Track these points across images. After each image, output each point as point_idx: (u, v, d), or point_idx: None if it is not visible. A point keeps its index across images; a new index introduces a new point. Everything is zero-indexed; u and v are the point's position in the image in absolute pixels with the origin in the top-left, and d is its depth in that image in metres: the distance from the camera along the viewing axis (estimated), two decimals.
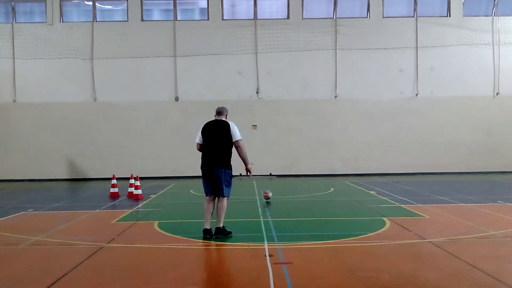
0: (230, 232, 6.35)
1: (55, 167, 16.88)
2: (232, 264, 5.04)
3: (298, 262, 4.88)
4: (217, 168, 6.23)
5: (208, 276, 4.50)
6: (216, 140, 6.31)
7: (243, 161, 6.40)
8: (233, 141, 6.30)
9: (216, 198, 6.37)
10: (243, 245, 5.81)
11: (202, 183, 6.45)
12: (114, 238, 6.28)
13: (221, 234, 6.23)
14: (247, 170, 6.51)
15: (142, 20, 17.37)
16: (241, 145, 6.31)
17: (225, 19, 17.37)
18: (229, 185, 6.33)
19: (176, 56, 17.12)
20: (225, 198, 6.30)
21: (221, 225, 6.27)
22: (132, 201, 10.39)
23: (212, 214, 6.32)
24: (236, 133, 6.33)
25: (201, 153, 6.50)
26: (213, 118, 6.54)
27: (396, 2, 17.71)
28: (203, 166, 6.38)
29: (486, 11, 17.56)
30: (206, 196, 6.39)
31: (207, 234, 6.18)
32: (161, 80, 17.14)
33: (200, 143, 6.51)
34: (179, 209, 9.65)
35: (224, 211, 6.30)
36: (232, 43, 17.07)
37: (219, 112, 6.57)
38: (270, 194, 9.85)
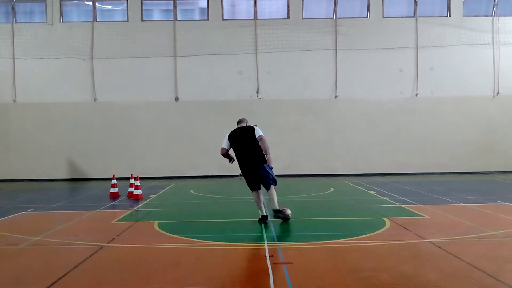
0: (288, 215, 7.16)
1: (55, 167, 16.87)
2: (232, 264, 5.04)
3: (298, 262, 4.88)
4: (261, 166, 7.18)
5: (208, 276, 4.50)
6: (248, 144, 7.27)
7: (264, 152, 7.29)
8: (256, 136, 7.30)
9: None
10: (243, 245, 5.81)
11: (247, 183, 7.40)
12: (114, 238, 6.28)
13: (280, 214, 7.13)
14: (269, 161, 7.33)
15: (142, 20, 17.37)
16: (263, 138, 7.32)
17: (225, 19, 17.37)
18: (272, 175, 7.23)
19: (176, 56, 17.11)
20: (272, 187, 7.22)
21: (278, 207, 7.14)
22: (132, 201, 10.38)
23: (263, 203, 7.35)
24: (259, 131, 7.41)
25: (224, 157, 7.49)
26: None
27: (396, 2, 17.72)
28: (244, 169, 7.31)
29: (486, 11, 17.56)
30: (253, 191, 7.35)
31: (265, 220, 7.15)
32: (161, 80, 17.13)
33: (227, 148, 7.41)
34: (179, 209, 9.65)
35: (275, 195, 7.24)
36: (232, 43, 17.06)
37: (240, 121, 7.63)
38: (288, 212, 7.25)
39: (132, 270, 4.74)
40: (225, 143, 7.43)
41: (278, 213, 7.18)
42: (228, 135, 7.46)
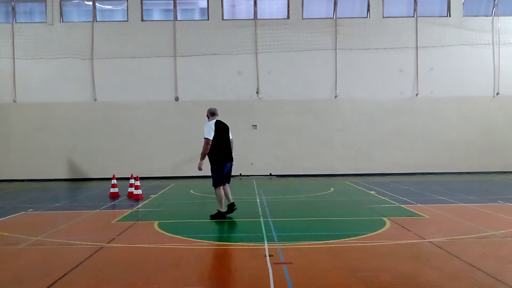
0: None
1: (55, 167, 16.87)
2: (232, 264, 5.05)
3: (298, 262, 4.88)
4: (232, 162, 7.78)
5: (208, 276, 4.50)
6: (228, 138, 7.68)
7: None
8: (231, 138, 7.81)
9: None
10: (243, 245, 5.81)
11: (219, 177, 7.50)
12: (114, 238, 6.29)
13: (234, 206, 7.80)
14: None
15: (142, 20, 17.37)
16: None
17: (225, 19, 17.36)
18: None
19: (176, 56, 17.11)
20: None
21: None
22: (132, 201, 10.38)
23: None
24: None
25: (213, 148, 7.47)
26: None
27: (396, 2, 17.70)
28: (227, 161, 7.60)
29: (486, 11, 17.56)
30: (222, 186, 7.58)
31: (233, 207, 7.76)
32: (161, 80, 17.13)
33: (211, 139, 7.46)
34: (179, 209, 9.65)
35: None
36: (232, 43, 17.06)
37: (216, 113, 7.75)
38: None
39: (132, 270, 4.74)
40: (212, 134, 7.39)
41: (233, 207, 7.78)
42: (214, 124, 7.48)
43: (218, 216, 7.58)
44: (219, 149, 7.47)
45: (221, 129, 7.55)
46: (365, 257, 5.14)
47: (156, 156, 16.90)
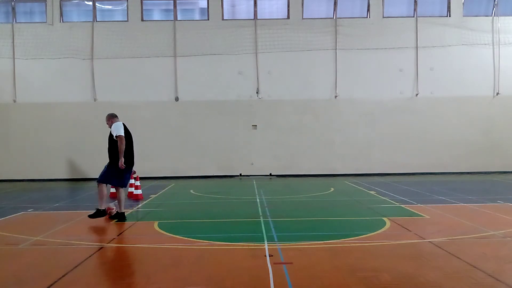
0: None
1: (55, 167, 16.87)
2: (232, 264, 5.04)
3: (298, 262, 4.88)
4: (133, 166, 7.72)
5: (208, 276, 4.50)
6: (132, 142, 7.60)
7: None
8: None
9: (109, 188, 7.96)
10: (243, 245, 5.81)
11: (125, 177, 7.56)
12: (114, 238, 6.29)
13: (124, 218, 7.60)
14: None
15: (142, 20, 17.37)
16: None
17: (225, 19, 17.36)
18: None
19: (176, 56, 17.11)
20: None
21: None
22: (132, 201, 10.39)
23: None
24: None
25: (123, 149, 7.31)
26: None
27: (396, 2, 17.70)
28: (129, 165, 7.50)
29: (486, 11, 17.57)
30: (106, 184, 7.58)
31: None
32: (161, 80, 17.13)
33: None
34: (179, 209, 9.65)
35: None
36: (232, 43, 17.07)
37: (117, 116, 7.64)
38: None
39: (132, 270, 4.74)
40: (122, 131, 7.30)
41: (124, 218, 7.62)
42: (122, 124, 7.43)
43: (98, 215, 7.43)
44: (128, 152, 7.43)
45: (128, 132, 7.52)
46: (365, 257, 5.14)
47: (156, 156, 16.88)
